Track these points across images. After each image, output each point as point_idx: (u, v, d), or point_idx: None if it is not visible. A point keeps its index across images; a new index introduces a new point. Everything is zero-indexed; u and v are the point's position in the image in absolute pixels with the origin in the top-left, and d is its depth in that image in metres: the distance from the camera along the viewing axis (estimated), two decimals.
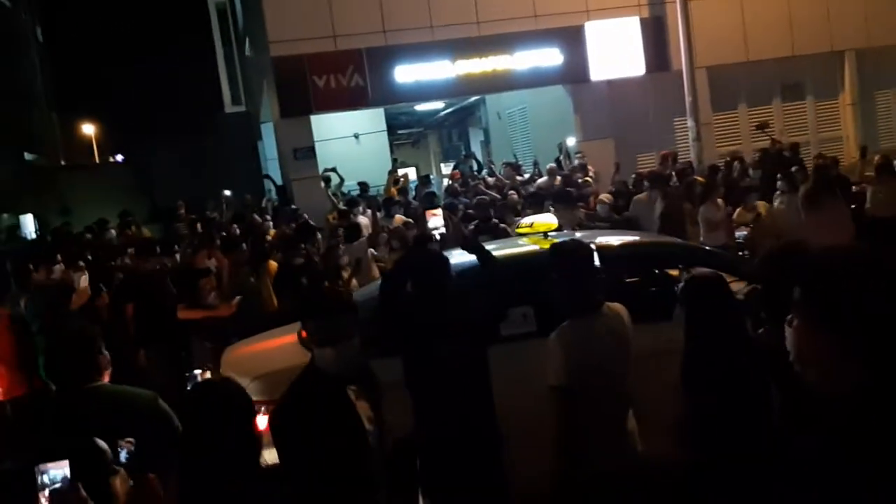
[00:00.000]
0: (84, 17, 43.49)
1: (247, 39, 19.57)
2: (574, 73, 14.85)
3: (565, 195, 8.92)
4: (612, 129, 15.04)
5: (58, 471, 1.95)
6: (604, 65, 14.85)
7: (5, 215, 23.69)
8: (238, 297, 6.78)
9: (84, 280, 6.23)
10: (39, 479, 1.95)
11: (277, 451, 2.75)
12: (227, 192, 16.36)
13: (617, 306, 3.51)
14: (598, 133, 14.93)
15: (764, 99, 16.41)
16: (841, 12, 15.77)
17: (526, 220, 6.08)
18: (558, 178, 12.04)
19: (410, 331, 3.86)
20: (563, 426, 3.26)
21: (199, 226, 11.21)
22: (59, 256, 6.73)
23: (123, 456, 2.06)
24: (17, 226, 18.76)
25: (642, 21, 15.09)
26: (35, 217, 23.23)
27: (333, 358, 2.82)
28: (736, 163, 12.37)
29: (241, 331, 6.75)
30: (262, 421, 4.25)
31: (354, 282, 7.35)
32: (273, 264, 7.57)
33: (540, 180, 12.43)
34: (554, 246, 3.72)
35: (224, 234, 9.81)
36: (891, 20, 15.76)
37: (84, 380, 3.18)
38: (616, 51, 14.87)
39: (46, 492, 1.95)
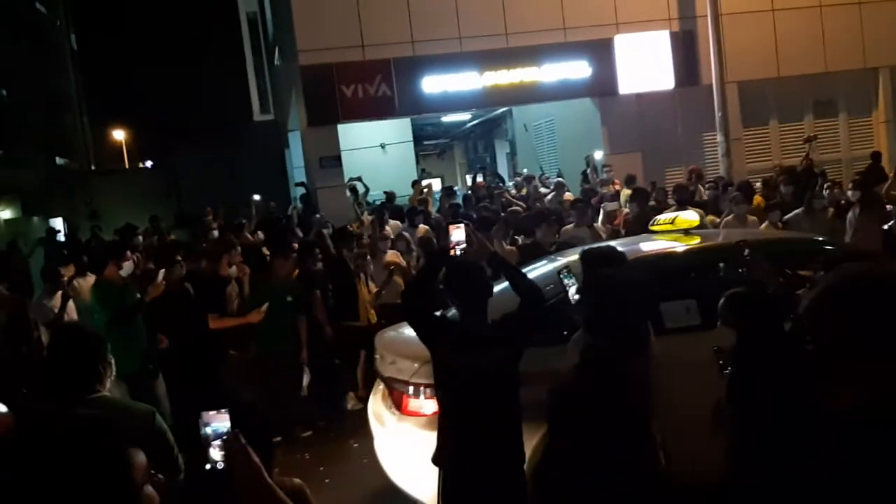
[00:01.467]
0: (117, 25, 44.26)
1: (276, 49, 19.73)
2: (602, 86, 14.76)
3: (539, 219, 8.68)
4: (641, 142, 14.92)
5: (221, 423, 1.99)
6: (633, 78, 14.74)
7: (35, 218, 24.05)
8: (266, 304, 6.81)
9: (161, 274, 6.27)
10: (203, 430, 1.98)
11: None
12: (257, 197, 16.42)
13: None
14: (625, 147, 14.81)
15: (795, 115, 16.18)
16: (875, 29, 15.53)
17: (666, 217, 5.93)
18: (567, 193, 11.86)
19: (440, 338, 3.75)
20: None
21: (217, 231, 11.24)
22: (128, 253, 6.73)
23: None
24: (54, 229, 19.05)
25: (672, 35, 14.97)
26: (64, 221, 23.55)
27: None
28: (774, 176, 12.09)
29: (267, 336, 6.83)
30: (428, 404, 4.34)
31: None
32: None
33: (549, 197, 12.27)
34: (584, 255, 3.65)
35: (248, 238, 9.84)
36: None
37: (87, 390, 2.87)
38: (645, 64, 14.75)
39: (215, 443, 1.99)
